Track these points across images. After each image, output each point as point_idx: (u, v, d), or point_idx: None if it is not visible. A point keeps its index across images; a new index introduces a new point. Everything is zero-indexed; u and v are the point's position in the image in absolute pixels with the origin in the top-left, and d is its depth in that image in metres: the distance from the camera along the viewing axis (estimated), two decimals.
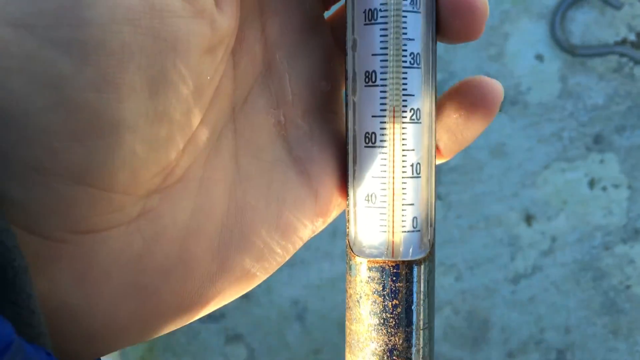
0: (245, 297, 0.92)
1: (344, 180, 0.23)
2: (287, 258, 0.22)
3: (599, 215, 0.91)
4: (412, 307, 0.22)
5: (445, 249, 0.92)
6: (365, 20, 0.22)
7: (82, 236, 0.17)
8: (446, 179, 0.92)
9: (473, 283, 0.92)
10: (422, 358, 0.22)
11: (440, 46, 0.92)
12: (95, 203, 0.17)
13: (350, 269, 0.23)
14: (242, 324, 0.94)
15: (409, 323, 0.22)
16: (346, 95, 0.23)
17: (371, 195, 0.22)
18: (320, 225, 0.23)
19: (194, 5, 0.18)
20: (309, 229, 0.23)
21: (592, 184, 0.91)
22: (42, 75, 0.16)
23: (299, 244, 0.23)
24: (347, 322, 0.23)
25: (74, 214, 0.17)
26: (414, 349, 0.22)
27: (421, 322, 0.22)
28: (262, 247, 0.22)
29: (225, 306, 0.91)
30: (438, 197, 0.93)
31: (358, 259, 0.22)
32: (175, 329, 0.21)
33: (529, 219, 0.91)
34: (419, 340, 0.22)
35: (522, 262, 0.91)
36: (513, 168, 0.91)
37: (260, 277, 0.22)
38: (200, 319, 1.02)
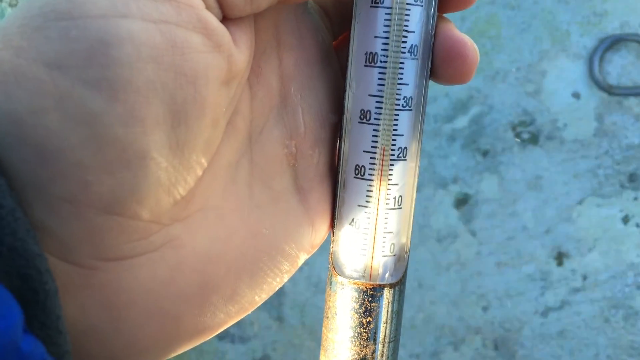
0: (277, 319, 0.94)
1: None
2: (282, 285, 0.24)
3: (633, 253, 0.93)
4: (384, 324, 0.25)
5: (477, 280, 0.94)
6: (365, 62, 0.24)
7: (111, 263, 0.19)
8: (481, 211, 0.95)
9: (503, 313, 0.94)
10: None
11: (479, 79, 0.95)
12: (124, 231, 0.18)
13: (331, 284, 0.25)
14: (269, 345, 0.95)
15: (380, 337, 0.25)
16: (341, 128, 0.25)
17: (355, 221, 0.25)
18: (312, 251, 0.25)
19: (212, 40, 0.19)
20: (305, 255, 0.25)
21: (625, 221, 0.93)
22: (74, 113, 0.17)
23: (293, 271, 0.25)
24: (324, 329, 0.26)
25: (103, 242, 0.18)
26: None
27: (390, 337, 0.25)
28: (268, 273, 0.23)
29: (253, 327, 0.93)
30: (472, 232, 0.95)
31: (339, 278, 0.25)
32: (188, 349, 0.22)
33: (560, 256, 0.94)
34: (387, 352, 0.25)
35: (552, 297, 0.94)
36: (549, 202, 0.93)
37: (259, 302, 0.24)
38: (228, 340, 1.02)
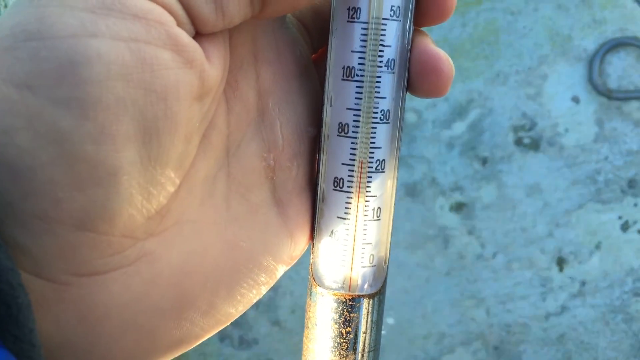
0: (277, 324, 0.95)
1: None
2: (260, 297, 0.25)
3: (632, 258, 0.93)
4: (363, 334, 0.25)
5: (476, 284, 0.94)
6: (343, 76, 0.24)
7: (84, 279, 0.19)
8: (481, 215, 0.94)
9: (503, 318, 0.94)
10: None
11: (480, 82, 0.95)
12: (97, 247, 0.19)
13: (311, 294, 0.26)
14: (274, 350, 0.96)
15: (359, 347, 0.25)
16: (320, 141, 0.25)
17: (334, 233, 0.25)
18: (291, 263, 0.25)
19: (183, 56, 0.19)
20: (284, 268, 0.25)
21: (625, 227, 0.93)
22: (45, 132, 0.17)
23: (272, 284, 0.25)
24: (304, 339, 0.26)
25: (76, 258, 0.18)
26: None
27: (370, 346, 0.25)
28: (247, 286, 0.23)
29: (258, 332, 0.94)
30: (471, 233, 0.95)
31: (319, 289, 0.25)
32: None
33: (560, 262, 0.93)
34: None
35: (552, 303, 0.94)
36: (548, 207, 0.93)
37: (236, 315, 0.24)
38: (233, 345, 1.03)
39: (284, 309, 0.94)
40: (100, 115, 0.18)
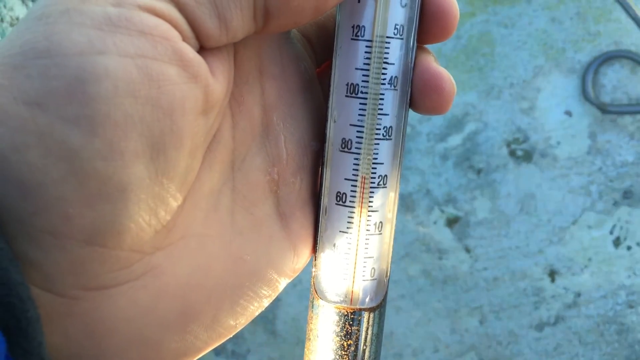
0: (272, 333, 0.95)
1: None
2: (262, 310, 0.25)
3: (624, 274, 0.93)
4: (364, 347, 0.25)
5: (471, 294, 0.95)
6: (346, 93, 0.25)
7: (92, 293, 0.19)
8: (475, 232, 0.95)
9: (497, 328, 0.95)
10: None
11: (475, 95, 0.95)
12: (105, 261, 0.19)
13: (313, 306, 0.26)
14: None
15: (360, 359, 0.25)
16: (323, 156, 0.26)
17: (336, 246, 0.25)
18: (293, 276, 0.26)
19: (188, 71, 0.20)
20: (286, 280, 0.25)
21: (617, 243, 0.93)
22: (55, 149, 0.17)
23: (274, 296, 0.25)
24: (306, 351, 0.27)
25: (85, 273, 0.19)
26: None
27: (370, 359, 0.26)
28: (249, 299, 0.24)
29: (252, 342, 0.93)
30: (466, 249, 0.95)
31: (321, 301, 0.26)
32: None
33: (552, 274, 0.94)
34: None
35: (545, 313, 0.94)
36: (541, 220, 0.94)
37: (239, 328, 0.24)
38: (226, 355, 1.03)
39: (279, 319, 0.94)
40: (109, 132, 0.18)
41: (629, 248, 0.93)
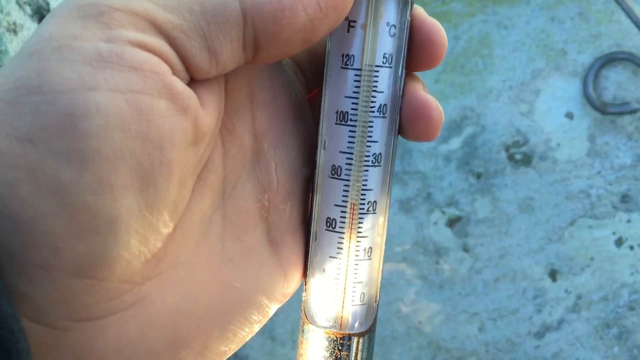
0: (270, 338, 0.95)
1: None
2: (253, 335, 0.25)
3: (626, 273, 0.93)
4: None
5: (469, 298, 0.95)
6: (336, 120, 0.25)
7: (82, 324, 0.19)
8: (475, 231, 0.95)
9: (496, 335, 0.94)
10: None
11: (473, 98, 0.95)
12: (95, 293, 0.19)
13: (303, 331, 0.26)
14: None
15: None
16: (313, 182, 0.26)
17: (326, 271, 0.26)
18: (284, 301, 0.26)
19: (177, 104, 0.20)
20: (276, 306, 0.25)
21: (619, 242, 0.93)
22: (46, 184, 0.18)
23: (265, 322, 0.25)
24: None
25: (75, 304, 0.19)
26: None
27: None
28: (240, 325, 0.24)
29: (251, 347, 0.92)
30: (465, 249, 0.96)
31: (311, 327, 0.26)
32: None
33: (553, 274, 0.94)
34: None
35: (547, 316, 0.94)
36: (540, 222, 0.94)
37: (229, 354, 0.24)
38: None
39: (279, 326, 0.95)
40: (99, 166, 0.18)
41: (631, 248, 0.93)
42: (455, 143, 0.96)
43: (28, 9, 0.72)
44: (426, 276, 0.96)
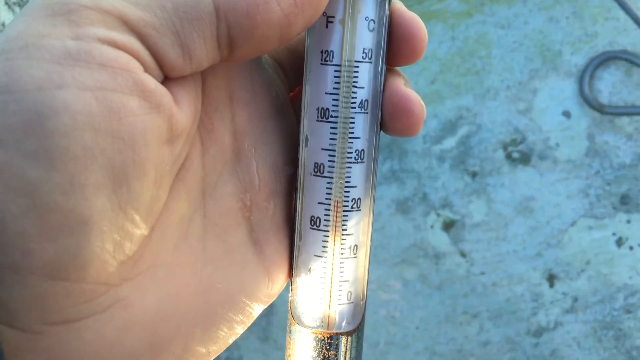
0: (265, 339, 0.95)
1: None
2: (236, 337, 0.25)
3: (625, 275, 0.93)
4: None
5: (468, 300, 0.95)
6: (317, 117, 0.25)
7: (57, 327, 0.19)
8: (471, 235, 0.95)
9: (496, 335, 0.94)
10: None
11: (470, 97, 0.94)
12: (69, 295, 0.19)
13: (290, 332, 0.26)
14: None
15: None
16: (296, 181, 0.26)
17: (312, 270, 0.25)
18: (269, 301, 0.26)
19: (150, 102, 0.19)
20: (261, 307, 0.25)
21: (619, 242, 0.92)
22: (14, 184, 0.17)
23: (249, 323, 0.25)
24: None
25: (49, 307, 0.19)
26: None
27: None
28: (222, 327, 0.23)
29: (245, 348, 0.92)
30: (461, 253, 0.95)
31: (298, 327, 0.25)
32: None
33: (551, 278, 0.93)
34: None
35: (544, 318, 0.93)
36: (540, 222, 0.93)
37: (212, 357, 0.24)
38: None
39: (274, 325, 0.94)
40: (69, 165, 0.18)
41: (631, 248, 0.92)
42: (449, 142, 0.96)
43: (18, 10, 0.72)
44: (426, 276, 0.96)
